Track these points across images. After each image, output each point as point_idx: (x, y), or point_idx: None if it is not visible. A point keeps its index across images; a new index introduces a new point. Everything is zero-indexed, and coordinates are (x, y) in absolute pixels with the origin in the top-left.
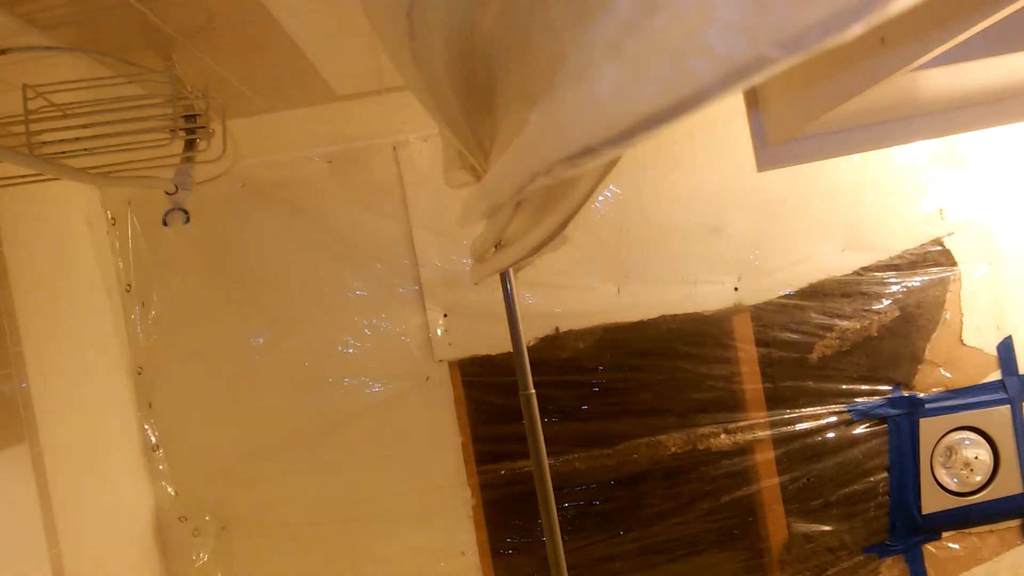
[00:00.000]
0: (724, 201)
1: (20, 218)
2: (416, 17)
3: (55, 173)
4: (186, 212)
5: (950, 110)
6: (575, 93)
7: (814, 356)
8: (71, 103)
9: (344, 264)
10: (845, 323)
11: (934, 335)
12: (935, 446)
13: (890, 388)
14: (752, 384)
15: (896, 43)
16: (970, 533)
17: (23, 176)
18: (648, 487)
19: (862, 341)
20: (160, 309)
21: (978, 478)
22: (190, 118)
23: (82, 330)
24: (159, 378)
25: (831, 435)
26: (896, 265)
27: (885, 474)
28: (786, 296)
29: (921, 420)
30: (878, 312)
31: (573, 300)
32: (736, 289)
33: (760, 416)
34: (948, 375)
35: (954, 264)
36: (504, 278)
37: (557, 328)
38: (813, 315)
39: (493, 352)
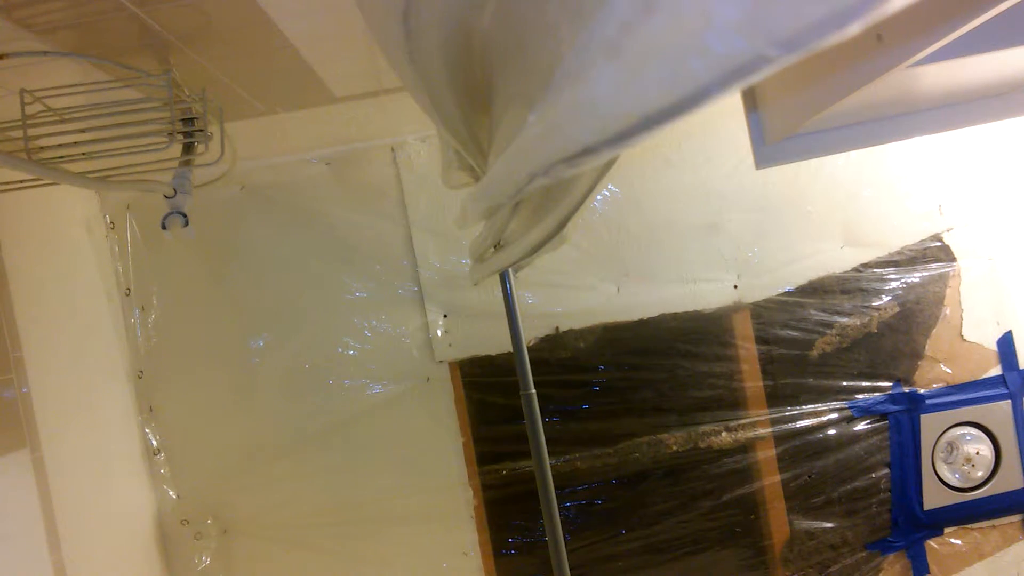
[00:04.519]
0: (723, 199)
1: (19, 223)
2: (412, 19)
3: (53, 178)
4: (185, 215)
5: (947, 106)
6: (573, 94)
7: (814, 353)
8: (69, 107)
9: (343, 266)
10: (845, 320)
11: (934, 331)
12: (936, 442)
13: (891, 384)
14: (753, 382)
15: (893, 40)
16: (972, 529)
17: (22, 181)
18: (649, 486)
19: (862, 338)
20: (160, 313)
21: (979, 473)
22: (188, 121)
23: (82, 334)
24: (159, 382)
25: (832, 432)
26: (895, 261)
27: (886, 470)
28: (786, 293)
29: (922, 416)
30: (878, 308)
31: (573, 300)
32: (736, 287)
33: (761, 414)
34: (948, 371)
35: (953, 259)
36: (504, 278)
37: (557, 328)
38: (813, 312)
39: (493, 352)
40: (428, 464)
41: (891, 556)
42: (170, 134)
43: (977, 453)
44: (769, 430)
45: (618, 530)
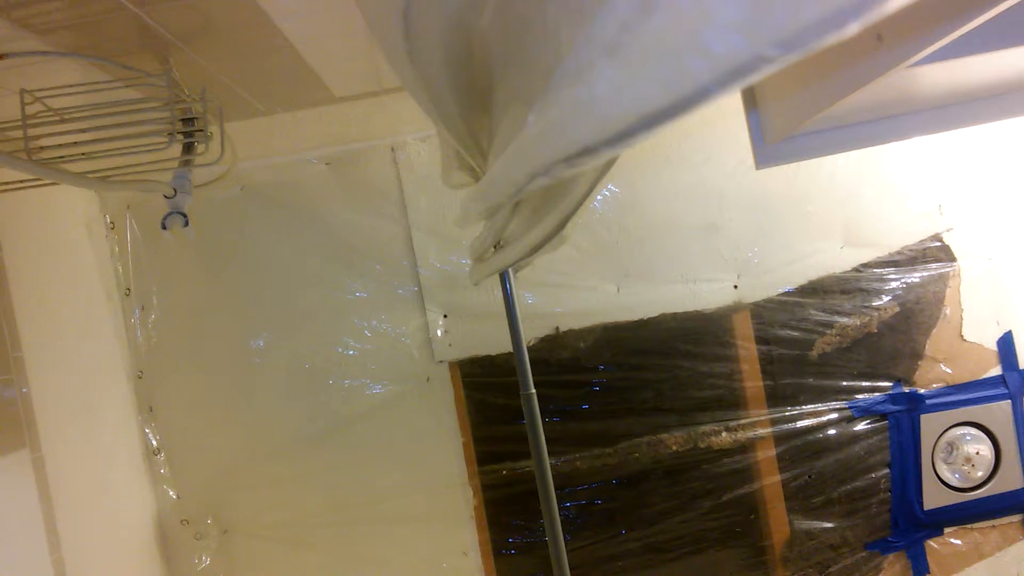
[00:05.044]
0: (723, 199)
1: (19, 223)
2: (412, 18)
3: (53, 178)
4: (185, 215)
5: (947, 106)
6: (573, 93)
7: (814, 353)
8: (69, 107)
9: (343, 266)
10: (845, 320)
11: (934, 331)
12: (936, 442)
13: (891, 384)
14: (753, 382)
15: (893, 40)
16: (972, 529)
17: (22, 181)
18: (650, 486)
19: (862, 338)
20: (160, 313)
21: (979, 473)
22: (188, 121)
23: (82, 335)
24: (159, 382)
25: (832, 432)
26: (895, 261)
27: (886, 470)
28: (786, 293)
29: (922, 416)
30: (878, 308)
31: (573, 300)
32: (736, 287)
33: (761, 414)
34: (948, 371)
35: (953, 259)
36: (504, 278)
37: (557, 328)
38: (813, 312)
39: (493, 352)
40: (428, 464)
41: (891, 556)
42: (170, 134)
43: (977, 453)
44: (769, 430)
45: (618, 530)
